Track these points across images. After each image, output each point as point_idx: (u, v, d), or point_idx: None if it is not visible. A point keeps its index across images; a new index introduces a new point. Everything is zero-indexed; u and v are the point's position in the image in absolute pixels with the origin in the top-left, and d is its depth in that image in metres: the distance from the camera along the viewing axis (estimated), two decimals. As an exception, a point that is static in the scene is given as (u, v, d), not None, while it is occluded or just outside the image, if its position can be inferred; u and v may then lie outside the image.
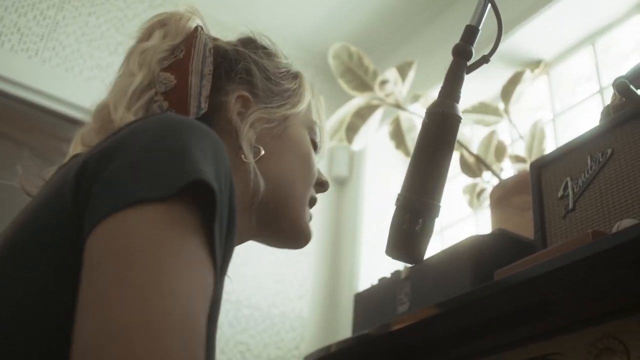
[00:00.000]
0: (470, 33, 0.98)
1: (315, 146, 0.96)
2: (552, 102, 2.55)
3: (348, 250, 3.03)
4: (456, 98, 0.95)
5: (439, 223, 2.94)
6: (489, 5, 1.01)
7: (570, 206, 1.30)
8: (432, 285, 1.47)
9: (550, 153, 1.41)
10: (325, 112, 1.02)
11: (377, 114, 2.46)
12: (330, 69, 2.48)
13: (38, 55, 2.62)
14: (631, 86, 1.24)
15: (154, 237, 0.52)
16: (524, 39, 2.59)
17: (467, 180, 2.37)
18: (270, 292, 2.89)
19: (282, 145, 0.89)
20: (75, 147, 0.82)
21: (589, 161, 1.29)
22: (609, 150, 1.26)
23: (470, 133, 2.79)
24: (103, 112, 0.82)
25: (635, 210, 1.17)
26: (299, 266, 3.02)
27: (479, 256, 1.37)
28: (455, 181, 2.80)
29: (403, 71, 2.45)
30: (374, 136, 2.65)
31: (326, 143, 0.99)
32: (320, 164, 3.05)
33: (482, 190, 2.25)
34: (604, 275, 1.11)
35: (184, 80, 0.82)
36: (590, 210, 1.26)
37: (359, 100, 2.49)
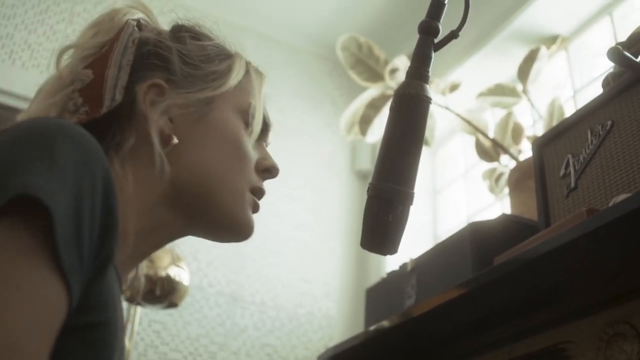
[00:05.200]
0: (437, 8, 0.92)
1: (249, 130, 0.89)
2: (571, 78, 2.46)
3: (374, 245, 2.97)
4: (424, 78, 0.90)
5: (465, 212, 2.87)
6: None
7: (573, 185, 1.23)
8: (435, 277, 1.42)
9: (550, 130, 1.34)
10: (264, 91, 0.94)
11: (391, 104, 2.40)
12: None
13: (49, 70, 2.61)
14: (626, 52, 1.17)
15: None
16: (538, 14, 2.50)
17: (488, 166, 2.30)
18: (296, 292, 2.85)
19: (203, 131, 0.83)
20: None
21: (589, 135, 1.22)
22: (609, 122, 1.18)
23: (492, 117, 2.72)
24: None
25: (637, 184, 1.10)
26: (324, 264, 2.97)
27: (480, 242, 1.31)
28: (478, 168, 2.72)
29: (416, 59, 2.38)
30: (391, 127, 2.58)
31: (259, 125, 0.90)
32: (343, 157, 3.05)
33: (500, 175, 2.17)
34: (606, 255, 1.05)
35: (101, 74, 0.79)
36: (592, 187, 1.19)
37: (372, 91, 2.44)
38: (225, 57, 0.90)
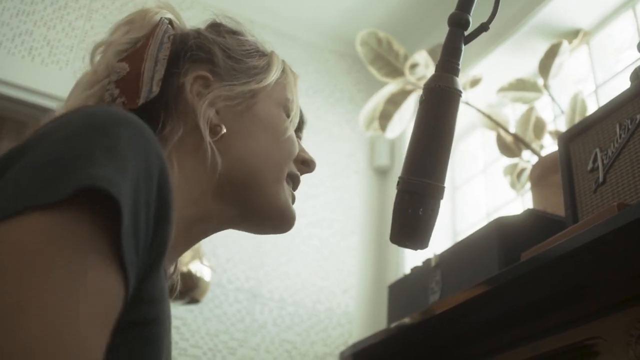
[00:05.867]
0: (466, 0, 0.91)
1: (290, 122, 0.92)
2: (593, 73, 2.44)
3: (393, 242, 2.96)
4: (455, 71, 0.89)
5: (485, 208, 2.85)
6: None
7: (601, 179, 1.22)
8: (460, 272, 1.41)
9: (577, 124, 1.33)
10: (299, 89, 0.96)
11: (411, 100, 2.39)
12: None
13: (68, 66, 2.64)
14: (657, 45, 1.16)
15: (28, 249, 0.47)
16: (560, 8, 2.47)
17: (509, 162, 2.28)
18: (315, 289, 2.85)
19: (249, 122, 0.86)
20: None
21: (617, 130, 1.21)
22: (638, 116, 1.17)
23: (512, 112, 2.70)
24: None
25: (668, 178, 1.08)
26: (343, 260, 2.97)
27: (506, 238, 1.30)
28: (498, 163, 2.71)
29: (435, 54, 2.37)
30: (413, 122, 2.57)
31: (298, 117, 0.94)
32: (361, 154, 3.04)
33: (522, 170, 2.16)
34: (635, 249, 1.04)
35: (137, 67, 0.80)
36: (621, 181, 1.17)
37: (392, 86, 2.43)
38: (263, 54, 0.92)
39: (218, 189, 0.82)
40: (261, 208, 0.86)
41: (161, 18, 0.87)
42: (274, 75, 0.90)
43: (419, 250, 0.86)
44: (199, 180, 0.81)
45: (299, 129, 0.95)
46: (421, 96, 0.88)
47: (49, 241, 0.48)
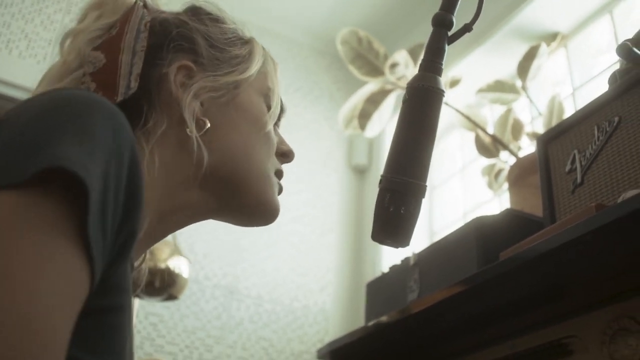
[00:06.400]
0: (451, 0, 0.91)
1: (271, 114, 0.89)
2: (571, 76, 2.46)
3: (370, 241, 2.96)
4: (438, 71, 0.90)
5: (462, 207, 2.87)
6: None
7: (579, 180, 1.23)
8: (439, 271, 1.42)
9: (555, 126, 1.34)
10: (278, 78, 0.94)
11: (391, 99, 2.40)
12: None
13: (46, 60, 2.62)
14: (635, 49, 1.17)
15: None
16: (538, 11, 2.50)
17: (486, 162, 2.30)
18: (292, 286, 2.85)
19: (232, 114, 0.83)
20: None
21: (595, 131, 1.23)
22: (616, 119, 1.19)
23: (490, 113, 2.72)
24: None
25: (644, 180, 1.10)
26: (320, 258, 2.97)
27: (485, 237, 1.31)
28: (475, 163, 2.73)
29: (415, 54, 2.39)
30: (392, 122, 2.58)
31: (278, 109, 0.91)
32: (339, 152, 3.03)
33: (500, 171, 2.18)
34: (613, 250, 1.05)
35: (114, 59, 0.76)
36: (599, 183, 1.19)
37: (372, 85, 2.44)
38: (244, 41, 0.90)
39: (202, 182, 0.80)
40: (249, 203, 0.84)
41: (136, 2, 0.82)
42: (256, 65, 0.88)
43: (398, 249, 0.86)
44: (180, 174, 0.78)
45: (278, 118, 0.93)
46: (404, 95, 0.88)
47: (11, 221, 0.47)
